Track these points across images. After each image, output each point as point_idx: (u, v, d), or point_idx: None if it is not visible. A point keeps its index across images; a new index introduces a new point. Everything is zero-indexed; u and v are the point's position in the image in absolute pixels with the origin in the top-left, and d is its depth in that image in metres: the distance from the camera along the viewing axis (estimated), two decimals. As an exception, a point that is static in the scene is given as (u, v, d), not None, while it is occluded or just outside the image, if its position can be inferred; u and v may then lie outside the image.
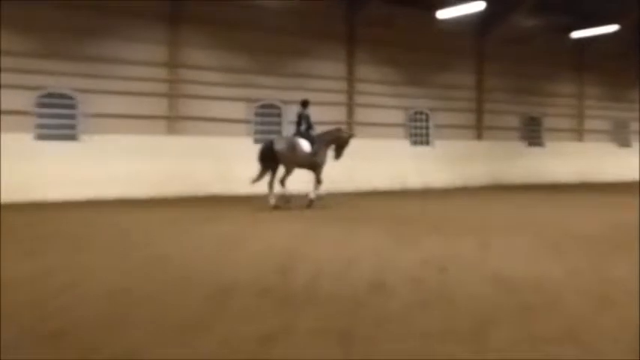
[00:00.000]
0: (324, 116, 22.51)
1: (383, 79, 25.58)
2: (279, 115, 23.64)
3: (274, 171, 16.91)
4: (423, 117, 26.40)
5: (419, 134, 26.56)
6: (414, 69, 26.03)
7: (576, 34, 27.41)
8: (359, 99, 24.98)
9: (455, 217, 14.26)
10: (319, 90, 23.60)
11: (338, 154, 18.00)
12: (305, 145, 17.19)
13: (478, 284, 7.72)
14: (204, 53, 21.68)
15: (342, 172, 21.22)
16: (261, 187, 17.19)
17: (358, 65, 24.91)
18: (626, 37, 29.23)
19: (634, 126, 33.83)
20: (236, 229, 12.36)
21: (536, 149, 29.89)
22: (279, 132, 22.81)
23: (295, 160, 17.00)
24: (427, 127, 26.56)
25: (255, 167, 16.86)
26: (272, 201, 16.77)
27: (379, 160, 24.32)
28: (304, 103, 17.68)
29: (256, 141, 22.00)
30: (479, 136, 28.19)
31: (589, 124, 32.29)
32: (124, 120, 20.21)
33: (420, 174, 25.02)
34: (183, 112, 21.29)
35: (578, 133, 31.89)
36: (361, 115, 24.87)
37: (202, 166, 21.31)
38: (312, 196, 17.38)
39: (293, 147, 16.97)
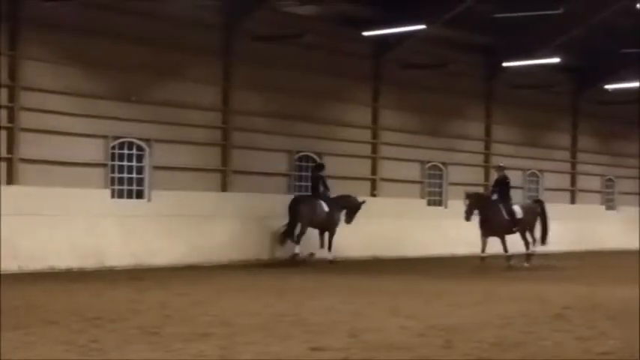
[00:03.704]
0: None
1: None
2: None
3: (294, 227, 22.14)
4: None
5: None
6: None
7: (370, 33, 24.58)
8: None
9: (181, 310, 12.38)
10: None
11: (350, 218, 23.19)
12: (324, 206, 22.44)
13: None
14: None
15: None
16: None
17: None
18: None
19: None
20: None
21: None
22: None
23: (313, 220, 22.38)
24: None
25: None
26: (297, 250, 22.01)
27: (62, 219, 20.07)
28: (319, 167, 23.51)
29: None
30: (224, 186, 23.81)
31: (387, 166, 27.78)
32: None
33: (128, 245, 20.83)
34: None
35: (373, 183, 27.56)
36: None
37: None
38: (331, 257, 22.61)
39: (314, 207, 22.26)
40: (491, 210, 21.57)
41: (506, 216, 21.66)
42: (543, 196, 30.97)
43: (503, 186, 22.24)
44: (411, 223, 26.68)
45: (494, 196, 22.02)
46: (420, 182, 28.44)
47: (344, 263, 22.59)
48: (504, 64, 28.39)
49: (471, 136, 30.14)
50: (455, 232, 26.45)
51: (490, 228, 21.42)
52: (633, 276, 18.05)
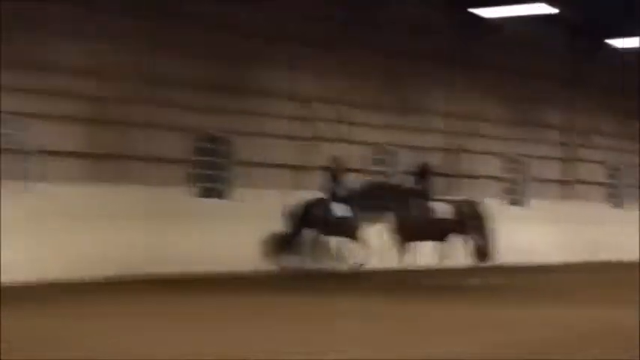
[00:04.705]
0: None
1: None
2: None
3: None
4: None
5: None
6: None
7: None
8: None
9: (36, 347, 12.11)
10: None
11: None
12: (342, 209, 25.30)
13: None
14: None
15: None
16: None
17: None
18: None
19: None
20: None
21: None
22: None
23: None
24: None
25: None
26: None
27: None
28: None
29: None
30: (96, 176, 24.97)
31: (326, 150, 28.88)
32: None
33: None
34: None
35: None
36: None
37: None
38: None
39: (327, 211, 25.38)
40: (402, 206, 23.33)
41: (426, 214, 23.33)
42: (530, 188, 31.35)
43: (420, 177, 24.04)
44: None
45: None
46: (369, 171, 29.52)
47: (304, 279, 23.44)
48: (475, 11, 29.27)
49: (429, 109, 31.13)
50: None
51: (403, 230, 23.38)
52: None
